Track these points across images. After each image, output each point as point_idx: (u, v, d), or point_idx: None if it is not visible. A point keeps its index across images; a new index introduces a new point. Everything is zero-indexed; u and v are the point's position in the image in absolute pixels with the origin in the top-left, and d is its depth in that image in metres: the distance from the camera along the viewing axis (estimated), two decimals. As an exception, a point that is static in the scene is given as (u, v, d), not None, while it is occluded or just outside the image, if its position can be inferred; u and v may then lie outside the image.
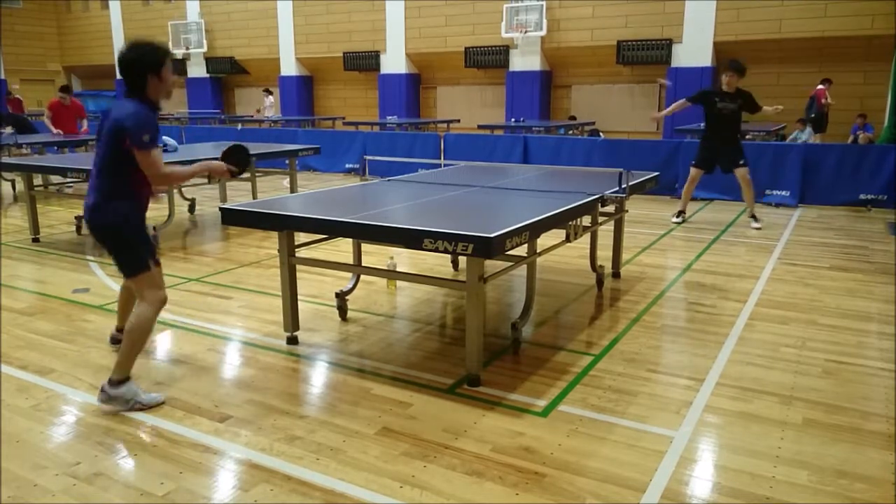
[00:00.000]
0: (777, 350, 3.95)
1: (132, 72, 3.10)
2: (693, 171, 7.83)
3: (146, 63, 3.10)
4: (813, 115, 13.04)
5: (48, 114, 10.51)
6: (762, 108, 7.44)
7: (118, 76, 24.44)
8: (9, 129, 10.96)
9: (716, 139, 7.55)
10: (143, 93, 3.13)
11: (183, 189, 7.87)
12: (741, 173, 7.48)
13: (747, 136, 10.89)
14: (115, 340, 3.89)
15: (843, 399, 3.32)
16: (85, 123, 10.91)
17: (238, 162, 3.51)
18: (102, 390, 3.19)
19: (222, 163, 3.46)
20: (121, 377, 3.17)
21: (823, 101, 13.00)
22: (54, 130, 10.35)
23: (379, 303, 4.86)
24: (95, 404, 3.25)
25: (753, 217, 7.59)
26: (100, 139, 3.18)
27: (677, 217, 7.93)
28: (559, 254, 5.58)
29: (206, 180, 7.36)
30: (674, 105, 7.82)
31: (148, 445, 2.88)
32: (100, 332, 4.24)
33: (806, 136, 13.13)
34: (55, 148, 9.94)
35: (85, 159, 7.12)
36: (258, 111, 19.84)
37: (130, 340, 3.19)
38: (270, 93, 20.05)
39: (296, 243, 3.97)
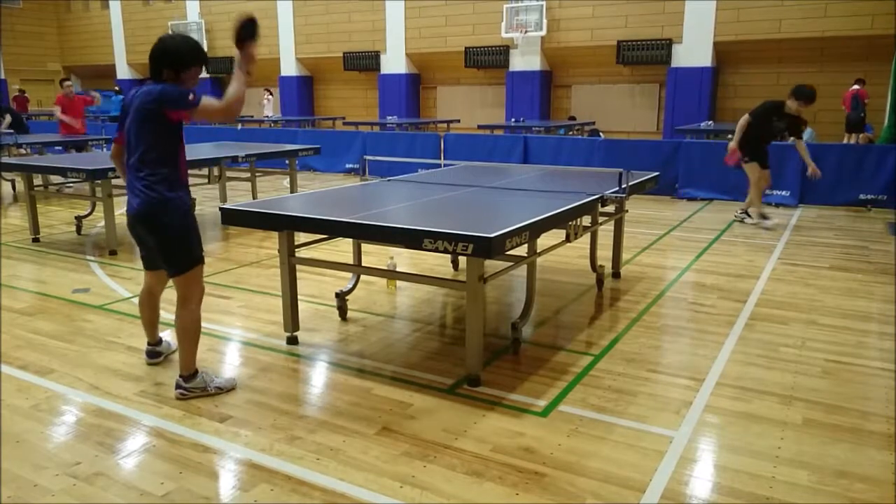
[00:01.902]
0: (777, 350, 3.95)
1: (181, 57, 3.13)
2: (759, 170, 7.49)
3: (192, 56, 3.16)
4: (863, 115, 12.78)
5: (59, 109, 10.50)
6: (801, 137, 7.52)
7: (118, 76, 24.50)
8: (7, 120, 11.00)
9: (762, 145, 7.49)
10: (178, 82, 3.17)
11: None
12: (766, 174, 7.62)
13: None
14: (151, 355, 3.74)
15: (843, 399, 3.32)
16: (97, 101, 10.89)
17: (250, 34, 3.21)
18: (178, 387, 3.30)
19: (248, 51, 3.17)
20: (190, 372, 3.31)
21: (866, 101, 12.85)
22: (66, 119, 10.35)
23: (379, 303, 4.86)
24: (95, 404, 3.26)
25: (747, 213, 7.81)
26: (129, 130, 3.14)
27: (763, 219, 7.61)
28: (559, 254, 5.58)
29: (206, 179, 7.37)
30: (738, 129, 7.40)
31: (148, 445, 2.88)
32: (100, 332, 4.24)
33: (807, 136, 13.09)
34: (61, 148, 9.98)
35: (82, 159, 7.12)
36: (262, 103, 19.86)
37: (188, 340, 3.30)
38: (271, 93, 20.03)
39: (296, 243, 3.97)
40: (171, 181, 3.18)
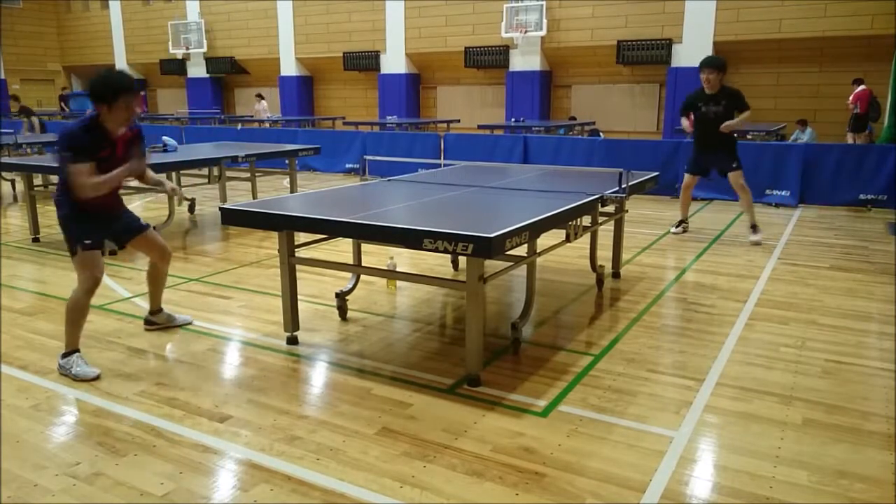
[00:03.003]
0: (777, 350, 3.95)
1: (91, 95, 3.45)
2: (686, 177, 7.21)
3: (96, 94, 3.43)
4: (878, 116, 12.50)
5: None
6: (749, 108, 6.64)
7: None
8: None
9: (701, 144, 6.90)
10: (97, 115, 3.49)
11: (183, 189, 7.86)
12: (733, 178, 6.78)
13: (748, 136, 10.87)
14: (147, 322, 4.27)
15: (843, 399, 3.32)
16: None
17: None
18: (59, 362, 3.62)
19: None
20: (67, 350, 3.63)
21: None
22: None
23: (379, 303, 4.86)
24: (95, 404, 3.26)
25: (752, 228, 6.82)
26: None
27: (677, 227, 7.31)
28: (559, 254, 5.58)
29: (206, 179, 7.37)
30: (683, 124, 7.16)
31: (148, 445, 2.88)
32: (100, 332, 4.24)
33: (807, 136, 13.11)
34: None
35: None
36: (258, 110, 19.81)
37: (67, 319, 3.61)
38: (262, 97, 19.88)
39: (296, 243, 3.97)
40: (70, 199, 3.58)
